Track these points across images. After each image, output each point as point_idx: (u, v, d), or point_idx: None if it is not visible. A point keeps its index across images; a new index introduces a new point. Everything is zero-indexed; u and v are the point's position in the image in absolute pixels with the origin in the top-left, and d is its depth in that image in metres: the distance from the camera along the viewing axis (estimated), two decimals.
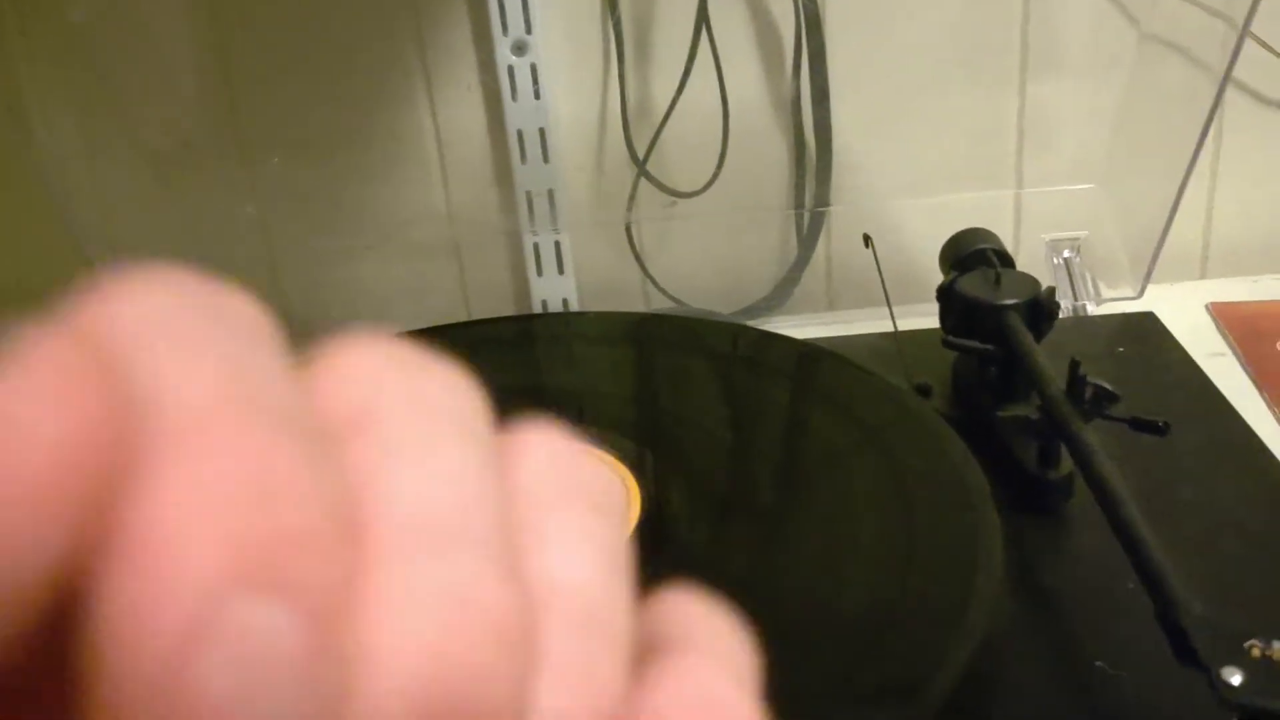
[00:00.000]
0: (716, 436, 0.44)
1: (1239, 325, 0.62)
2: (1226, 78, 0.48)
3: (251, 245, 0.65)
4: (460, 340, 0.54)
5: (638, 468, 0.42)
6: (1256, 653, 0.29)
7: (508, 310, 0.68)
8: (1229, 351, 0.60)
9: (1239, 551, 0.39)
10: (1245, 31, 0.47)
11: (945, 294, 0.46)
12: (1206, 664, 0.29)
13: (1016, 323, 0.44)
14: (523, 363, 0.52)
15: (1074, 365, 0.39)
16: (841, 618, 0.35)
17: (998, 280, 0.46)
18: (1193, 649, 0.29)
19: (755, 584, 0.36)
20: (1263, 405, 0.56)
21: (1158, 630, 0.33)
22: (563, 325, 0.60)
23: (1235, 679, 0.28)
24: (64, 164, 0.58)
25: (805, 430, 0.44)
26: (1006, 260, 0.48)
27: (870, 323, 0.58)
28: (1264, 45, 0.59)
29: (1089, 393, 0.39)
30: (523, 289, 0.68)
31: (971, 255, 0.48)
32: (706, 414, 0.46)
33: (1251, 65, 0.60)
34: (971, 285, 0.46)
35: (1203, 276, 0.67)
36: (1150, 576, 0.32)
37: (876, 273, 0.61)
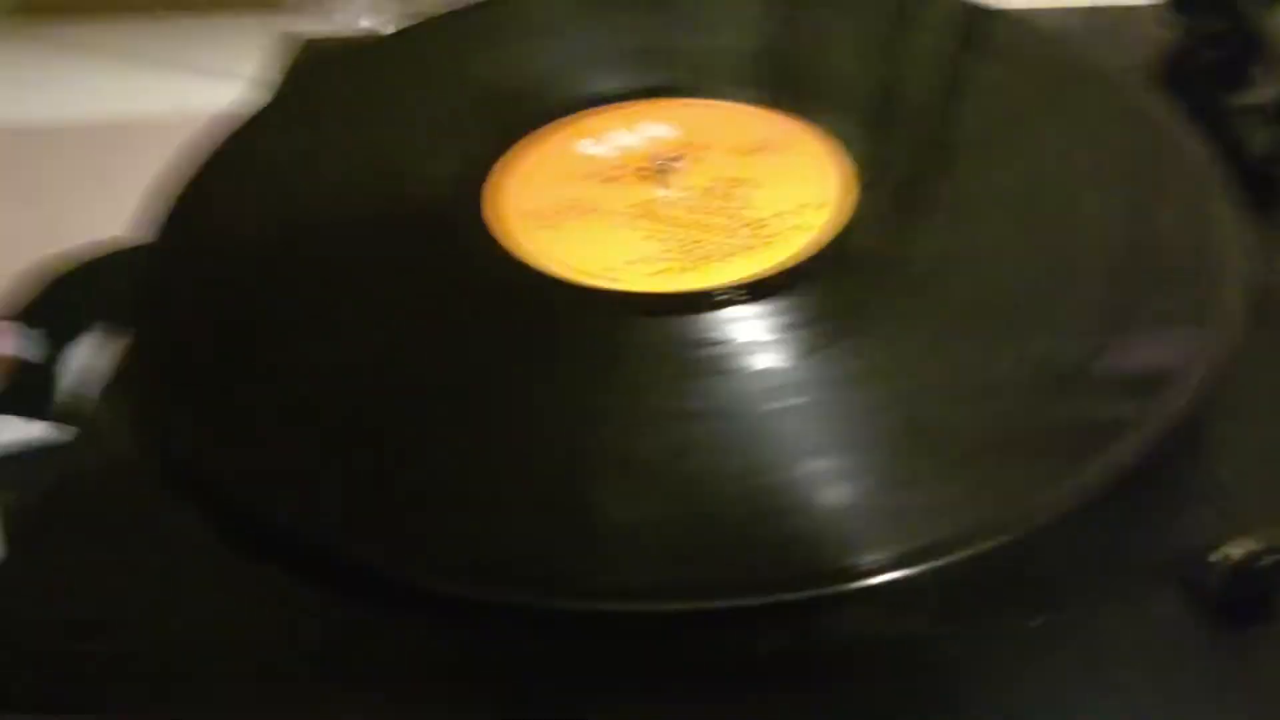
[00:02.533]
0: (930, 114, 0.40)
1: None
2: None
3: None
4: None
5: (847, 147, 0.38)
6: None
7: None
8: None
9: None
10: None
11: None
12: None
13: None
14: (693, 21, 0.47)
15: None
16: (1073, 311, 0.32)
17: None
18: None
19: (978, 278, 0.34)
20: None
21: None
22: None
23: None
24: None
25: (1022, 107, 0.40)
26: None
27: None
28: None
29: None
30: None
31: None
32: (918, 88, 0.41)
33: None
34: None
35: None
36: None
37: None
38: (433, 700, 0.26)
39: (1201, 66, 0.42)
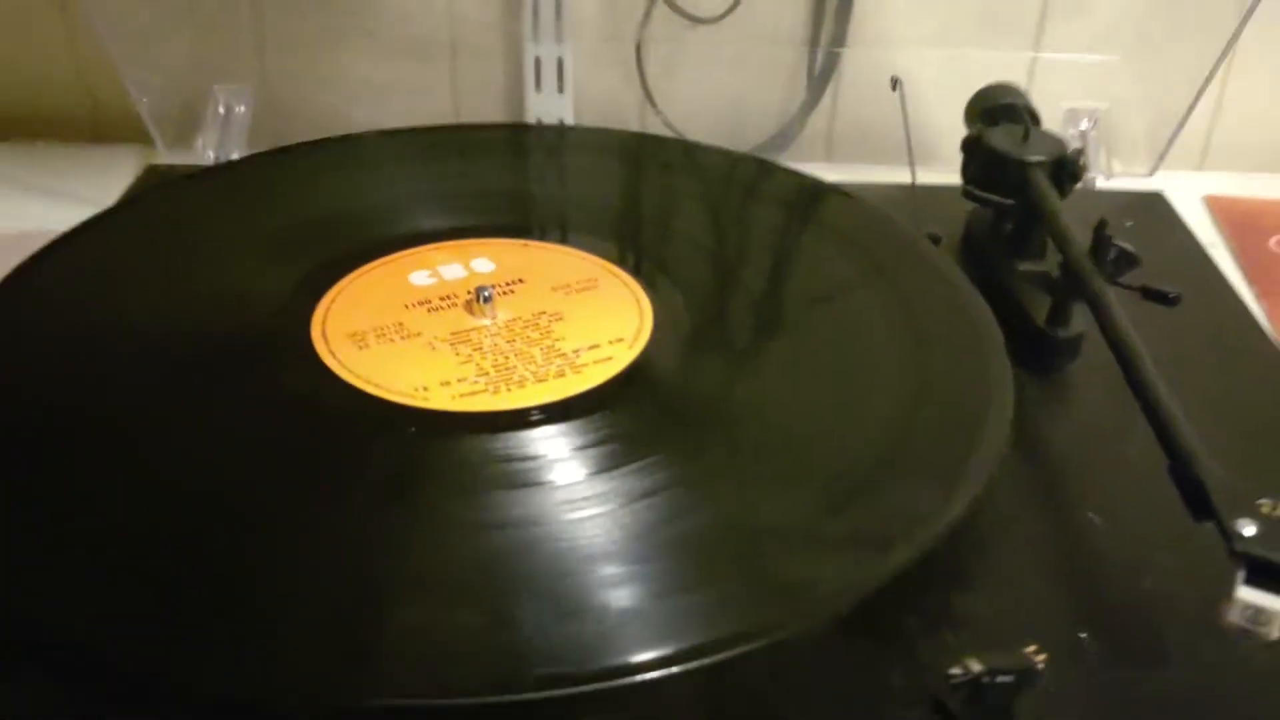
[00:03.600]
0: (727, 264, 0.43)
1: (1234, 219, 0.62)
2: None
3: (241, 18, 0.62)
4: (457, 143, 0.52)
5: (649, 289, 0.41)
6: (1267, 509, 0.29)
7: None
8: (1221, 243, 0.61)
9: (1236, 423, 0.39)
10: None
11: (971, 145, 0.46)
12: (1221, 515, 0.29)
13: (1041, 180, 0.43)
14: (523, 172, 0.51)
15: (1101, 225, 0.39)
16: (847, 449, 0.35)
17: (1025, 136, 0.45)
18: (1208, 500, 0.30)
19: (760, 413, 0.36)
20: (1250, 298, 0.56)
21: (1151, 487, 0.33)
22: (558, 137, 0.58)
23: (1248, 530, 0.28)
24: None
25: (817, 267, 0.43)
26: (1034, 118, 0.47)
27: (872, 175, 0.57)
28: None
29: (1112, 254, 0.39)
30: (518, 104, 0.66)
31: (1001, 109, 0.47)
32: (718, 241, 0.45)
33: None
34: (999, 139, 0.45)
35: (1201, 168, 0.67)
36: (1167, 431, 0.32)
37: (883, 123, 0.60)
38: None
39: (999, 237, 0.46)
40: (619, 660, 0.28)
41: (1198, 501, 0.30)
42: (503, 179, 0.48)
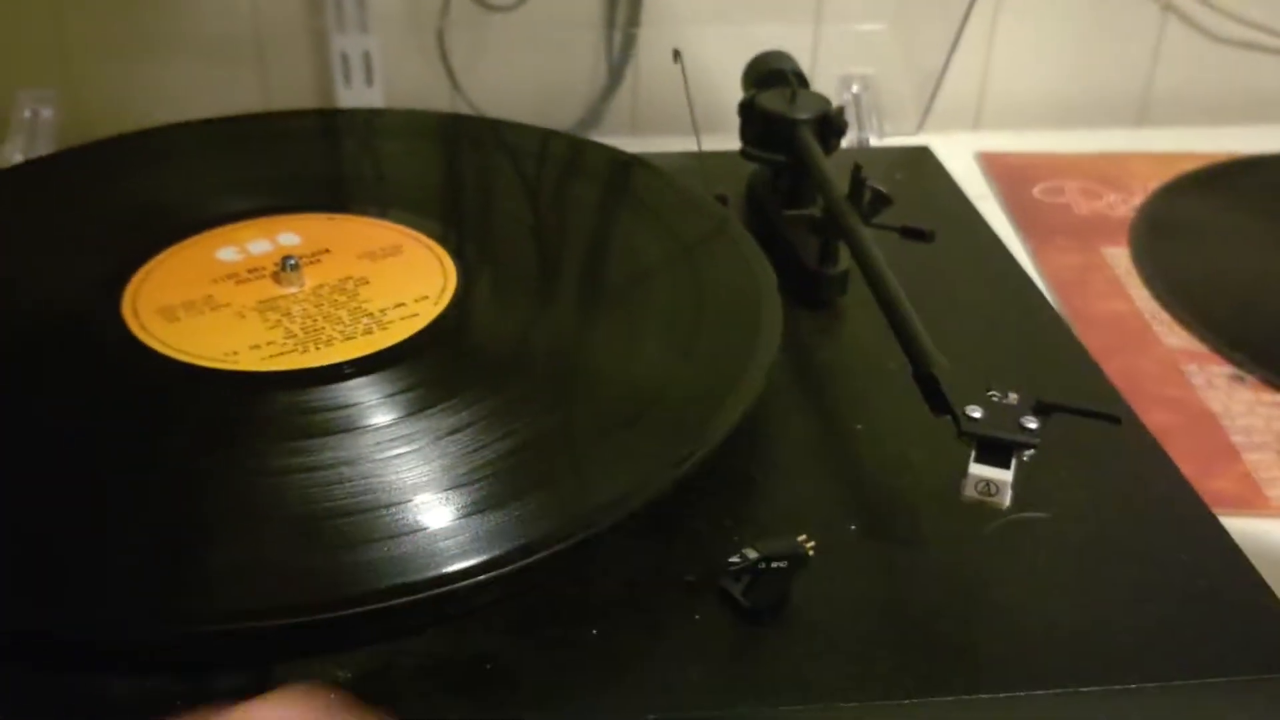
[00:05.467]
0: (525, 226, 0.46)
1: (1003, 172, 0.68)
2: None
3: (44, 33, 0.62)
4: (263, 131, 0.53)
5: (452, 251, 0.43)
6: (995, 398, 0.33)
7: None
8: (991, 195, 0.66)
9: (987, 335, 0.44)
10: None
11: (745, 108, 0.49)
12: (952, 403, 0.33)
13: (807, 135, 0.47)
14: (326, 154, 0.53)
15: (856, 169, 0.43)
16: (634, 378, 0.38)
17: (793, 97, 0.49)
18: (942, 392, 0.34)
19: (556, 353, 0.39)
20: (1016, 241, 0.62)
21: (906, 399, 0.37)
22: (369, 120, 0.60)
23: (976, 414, 0.32)
24: None
25: (610, 225, 0.46)
26: (802, 81, 0.51)
27: (671, 145, 0.61)
28: None
29: (867, 195, 0.43)
30: (328, 98, 0.67)
31: (771, 74, 0.51)
32: (517, 206, 0.47)
33: None
34: (769, 101, 0.49)
35: (975, 128, 0.72)
36: (909, 339, 0.36)
37: (682, 97, 0.64)
38: None
39: (776, 191, 0.50)
40: (434, 573, 0.30)
41: (934, 396, 0.34)
42: (310, 162, 0.50)
